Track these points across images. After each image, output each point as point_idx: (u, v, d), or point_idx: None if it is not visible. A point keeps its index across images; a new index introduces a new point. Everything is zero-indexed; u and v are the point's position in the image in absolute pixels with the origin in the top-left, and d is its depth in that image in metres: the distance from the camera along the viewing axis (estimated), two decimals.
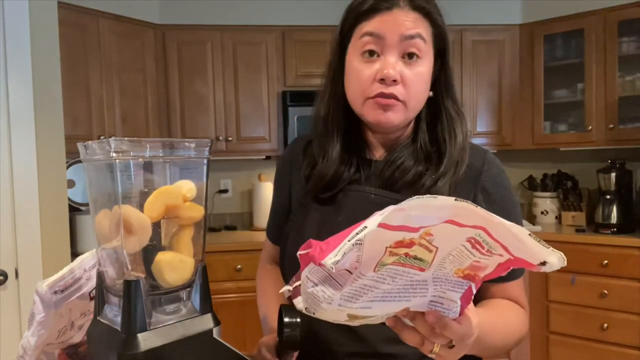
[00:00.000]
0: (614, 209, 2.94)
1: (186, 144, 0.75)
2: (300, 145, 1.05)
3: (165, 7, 3.13)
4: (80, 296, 0.82)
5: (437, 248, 0.56)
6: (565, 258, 0.53)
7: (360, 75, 0.87)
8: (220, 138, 3.21)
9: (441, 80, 0.92)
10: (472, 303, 0.65)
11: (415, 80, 0.86)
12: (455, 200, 0.52)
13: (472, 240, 0.55)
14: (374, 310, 0.61)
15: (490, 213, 0.52)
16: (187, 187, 0.74)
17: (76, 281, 0.82)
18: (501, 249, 0.55)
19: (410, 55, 0.85)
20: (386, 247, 0.55)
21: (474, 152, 0.93)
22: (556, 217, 3.36)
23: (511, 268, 0.58)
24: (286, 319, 0.84)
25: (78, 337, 0.90)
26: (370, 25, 0.86)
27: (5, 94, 1.93)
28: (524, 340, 3.07)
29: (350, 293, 0.59)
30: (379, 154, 0.96)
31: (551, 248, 0.53)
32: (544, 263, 0.55)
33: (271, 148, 3.30)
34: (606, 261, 2.78)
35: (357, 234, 0.53)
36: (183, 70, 3.16)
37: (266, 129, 3.28)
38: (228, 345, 0.77)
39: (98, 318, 0.75)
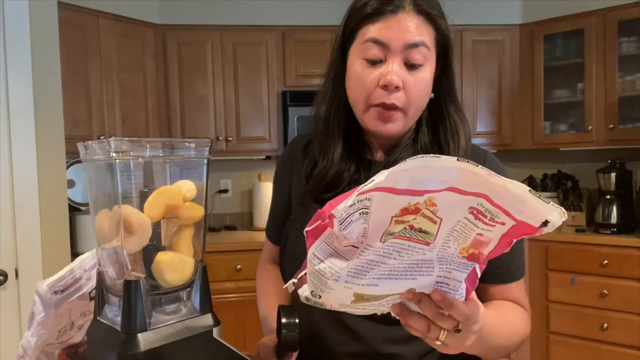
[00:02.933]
0: (614, 209, 2.94)
1: (186, 144, 0.75)
2: (299, 145, 1.05)
3: (165, 7, 3.13)
4: (80, 296, 0.82)
5: (441, 219, 0.56)
6: (566, 212, 0.53)
7: (362, 80, 0.86)
8: (220, 138, 3.21)
9: (443, 83, 0.91)
10: (476, 295, 0.65)
11: (417, 87, 0.85)
12: (458, 160, 0.51)
13: (475, 211, 0.55)
14: (381, 288, 0.61)
15: (492, 172, 0.51)
16: (187, 187, 0.74)
17: (76, 281, 0.82)
18: (504, 214, 0.54)
19: (413, 64, 0.85)
20: (392, 217, 0.55)
21: (474, 152, 0.93)
22: None
23: (514, 241, 0.57)
24: (284, 320, 0.84)
25: (78, 337, 0.90)
26: (374, 30, 0.84)
27: (5, 94, 1.93)
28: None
29: (357, 268, 0.59)
30: (378, 155, 0.96)
31: (551, 203, 0.53)
32: (545, 223, 0.54)
33: (271, 148, 3.30)
34: (606, 261, 2.78)
35: (365, 185, 0.53)
36: (183, 70, 3.16)
37: (266, 129, 3.28)
38: (228, 345, 0.77)
39: (98, 318, 0.75)
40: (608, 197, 2.99)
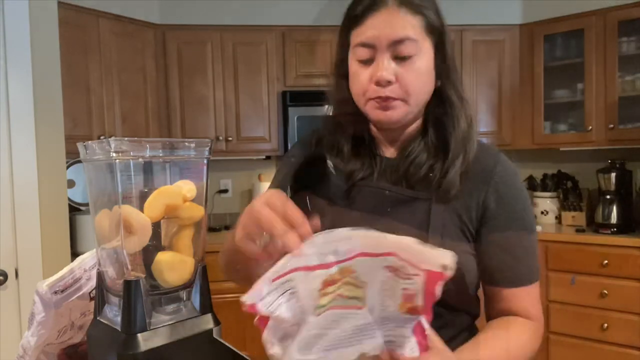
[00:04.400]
0: (614, 209, 2.94)
1: (186, 144, 0.75)
2: (307, 144, 1.04)
3: (165, 7, 3.13)
4: (80, 296, 0.82)
5: (366, 282, 0.61)
6: (454, 253, 0.55)
7: (358, 79, 0.89)
8: (220, 138, 3.21)
9: (442, 69, 0.91)
10: (440, 342, 0.64)
11: (410, 78, 0.86)
12: (352, 229, 0.58)
13: (391, 268, 0.58)
14: (331, 358, 0.63)
15: (385, 233, 0.58)
16: (187, 187, 0.74)
17: (76, 281, 0.82)
18: (412, 267, 0.57)
19: (403, 57, 0.85)
20: (318, 291, 0.61)
21: (486, 152, 0.93)
22: (556, 217, 3.36)
23: (437, 289, 0.57)
24: None
25: (78, 337, 0.90)
26: (362, 33, 0.86)
27: (5, 94, 1.93)
28: None
29: (304, 342, 0.62)
30: (388, 151, 0.97)
31: (441, 249, 0.56)
32: (445, 267, 0.56)
33: (271, 148, 3.30)
34: (606, 261, 2.78)
35: (277, 271, 0.61)
36: (183, 70, 3.16)
37: (266, 129, 3.27)
38: (228, 345, 0.77)
39: (98, 318, 0.75)
40: (608, 197, 2.98)
